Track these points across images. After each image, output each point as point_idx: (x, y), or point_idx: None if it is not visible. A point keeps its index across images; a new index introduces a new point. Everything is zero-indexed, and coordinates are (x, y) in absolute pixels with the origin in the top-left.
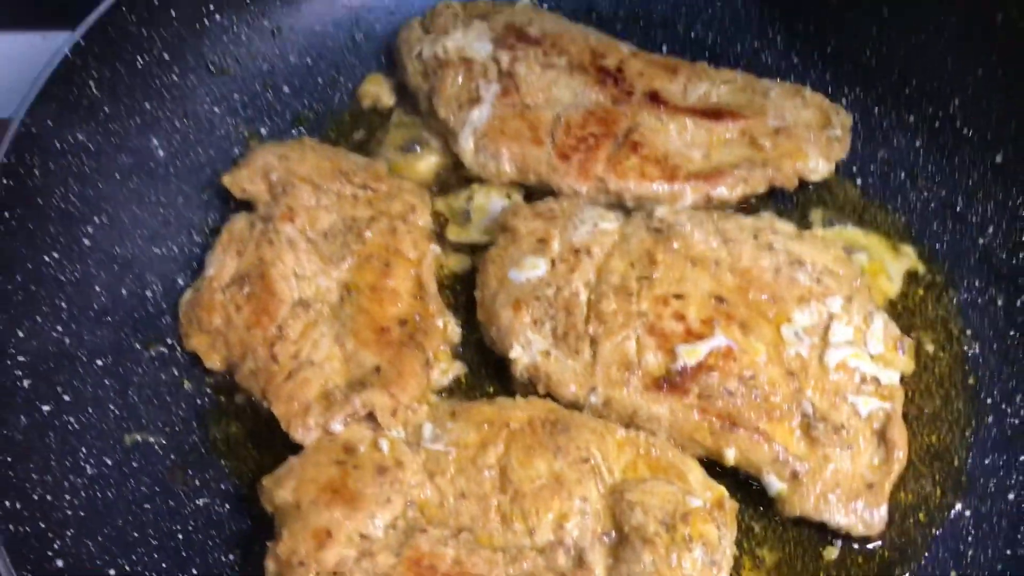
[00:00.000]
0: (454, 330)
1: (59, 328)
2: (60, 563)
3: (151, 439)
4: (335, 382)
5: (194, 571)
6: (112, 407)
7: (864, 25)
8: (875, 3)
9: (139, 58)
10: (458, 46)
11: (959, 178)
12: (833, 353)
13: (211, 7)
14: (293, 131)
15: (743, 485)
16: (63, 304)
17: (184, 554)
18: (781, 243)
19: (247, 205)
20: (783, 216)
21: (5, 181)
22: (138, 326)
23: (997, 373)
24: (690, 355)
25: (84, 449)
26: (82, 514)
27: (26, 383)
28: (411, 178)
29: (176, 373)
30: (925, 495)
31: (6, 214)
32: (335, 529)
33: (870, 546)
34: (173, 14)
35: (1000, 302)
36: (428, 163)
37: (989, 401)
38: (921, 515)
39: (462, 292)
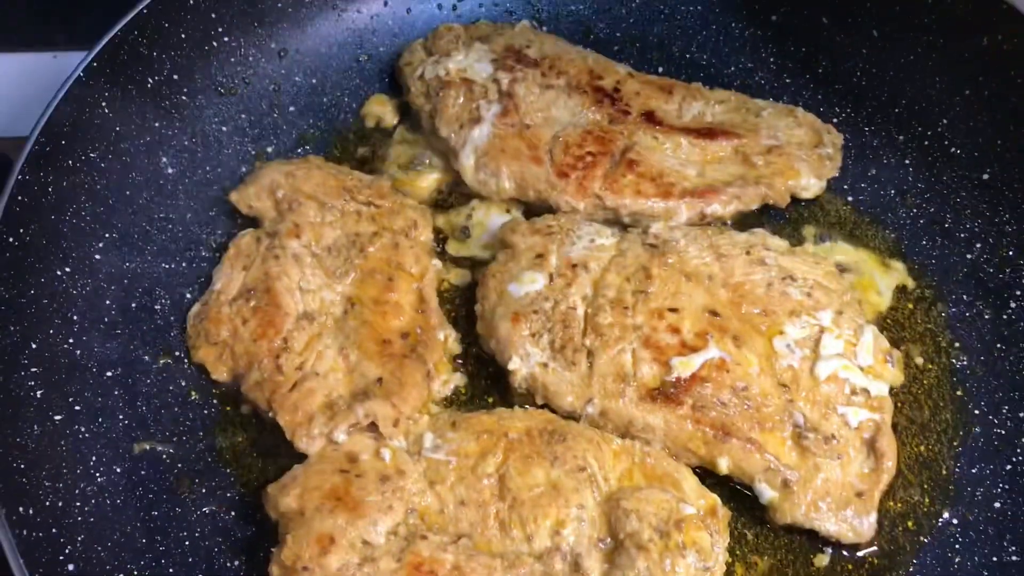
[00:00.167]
0: (454, 342)
1: (71, 340)
2: (71, 567)
3: (159, 448)
4: (338, 393)
5: None
6: (121, 417)
7: (855, 47)
8: (865, 26)
9: (149, 79)
10: (459, 67)
11: (947, 195)
12: (824, 365)
13: (219, 29)
14: (299, 150)
15: (736, 493)
16: (74, 317)
17: (191, 559)
18: (773, 258)
19: (254, 221)
20: (776, 233)
21: (20, 197)
22: (147, 338)
23: (984, 385)
24: (684, 367)
25: (94, 457)
26: (92, 520)
27: (39, 393)
28: (413, 195)
29: (184, 384)
30: (914, 503)
31: (20, 229)
32: (338, 535)
33: (860, 553)
34: (183, 36)
35: (987, 316)
36: (430, 180)
37: (977, 412)
38: (910, 523)
39: (462, 305)
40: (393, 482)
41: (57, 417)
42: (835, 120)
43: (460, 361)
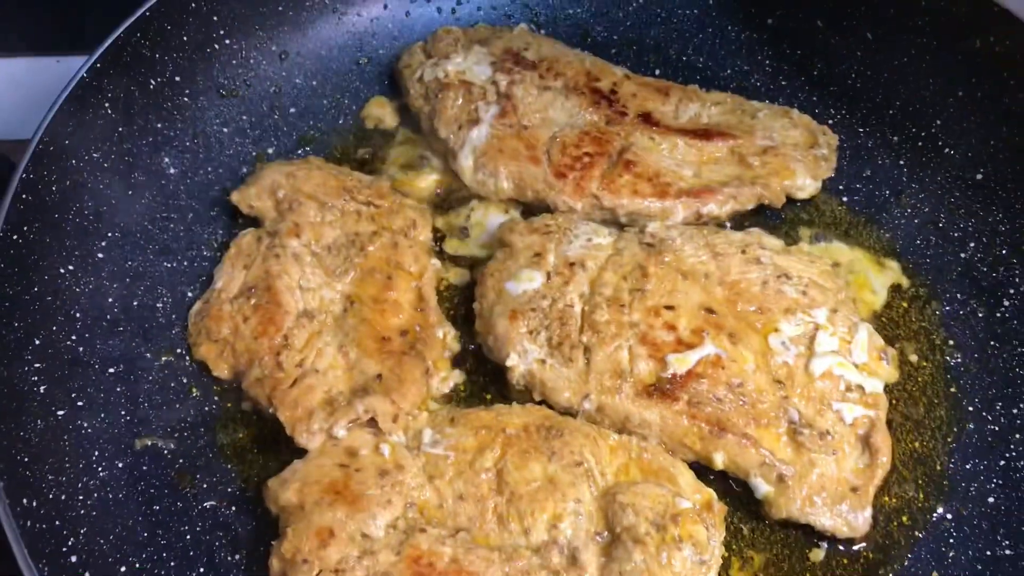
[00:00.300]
0: (453, 340)
1: (74, 337)
2: (74, 559)
3: (160, 443)
4: (338, 389)
5: (201, 569)
6: (123, 412)
7: (849, 50)
8: (860, 29)
9: (152, 80)
10: (458, 69)
11: (941, 195)
12: (819, 362)
13: (221, 32)
14: (299, 151)
15: (732, 488)
16: (77, 314)
17: (192, 553)
18: (769, 257)
19: (254, 221)
20: (772, 233)
21: (24, 196)
22: (149, 336)
23: (978, 382)
24: (680, 363)
25: (97, 452)
26: (95, 513)
27: (42, 388)
28: (413, 195)
29: (185, 381)
30: (908, 499)
31: (25, 228)
32: (337, 528)
33: (855, 548)
34: (184, 39)
35: (981, 314)
36: (429, 181)
37: (970, 408)
38: (904, 518)
39: (461, 304)
40: (392, 476)
41: (60, 412)
42: (830, 121)
43: (459, 358)
